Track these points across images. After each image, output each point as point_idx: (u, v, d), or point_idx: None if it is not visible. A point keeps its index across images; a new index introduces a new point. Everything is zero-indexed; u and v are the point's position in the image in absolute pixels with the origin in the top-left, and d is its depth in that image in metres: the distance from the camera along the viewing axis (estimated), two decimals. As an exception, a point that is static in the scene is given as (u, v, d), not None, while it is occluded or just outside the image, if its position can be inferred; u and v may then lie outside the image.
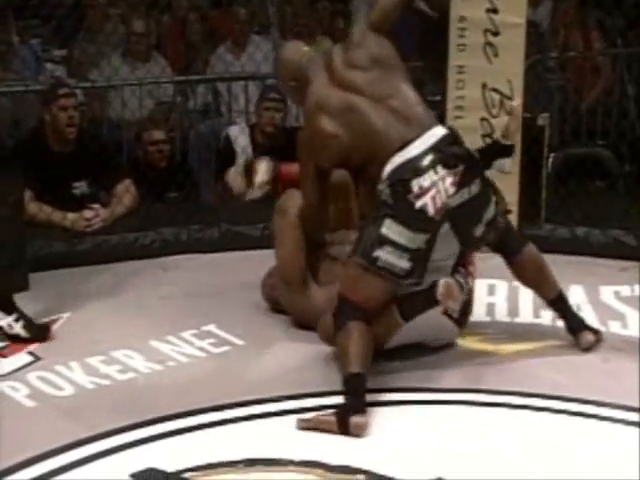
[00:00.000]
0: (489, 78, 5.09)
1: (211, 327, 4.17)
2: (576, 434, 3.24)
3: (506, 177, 5.01)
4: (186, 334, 4.13)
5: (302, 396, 3.52)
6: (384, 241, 3.43)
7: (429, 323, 3.64)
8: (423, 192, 3.41)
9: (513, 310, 4.30)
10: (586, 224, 5.26)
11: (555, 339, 3.91)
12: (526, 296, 4.25)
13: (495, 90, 5.11)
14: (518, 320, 4.22)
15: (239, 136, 5.87)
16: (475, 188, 3.52)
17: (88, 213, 5.32)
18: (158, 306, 4.50)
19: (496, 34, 5.06)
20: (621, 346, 3.88)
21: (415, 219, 3.42)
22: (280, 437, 3.23)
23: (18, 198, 3.98)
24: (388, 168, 3.47)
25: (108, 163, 5.47)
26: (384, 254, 3.43)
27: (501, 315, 4.27)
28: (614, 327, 4.11)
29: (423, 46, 6.02)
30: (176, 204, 5.64)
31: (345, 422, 3.21)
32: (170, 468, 3.00)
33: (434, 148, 3.47)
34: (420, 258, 3.46)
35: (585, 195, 5.56)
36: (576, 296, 4.34)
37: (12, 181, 4.46)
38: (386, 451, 3.10)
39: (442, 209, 3.43)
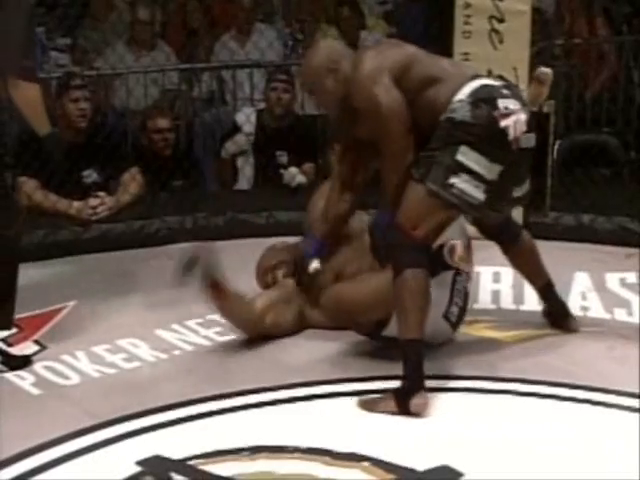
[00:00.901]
0: (494, 65, 5.08)
1: (216, 316, 4.16)
2: (582, 421, 3.24)
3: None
4: (191, 323, 4.13)
5: (307, 384, 3.52)
6: (461, 168, 3.25)
7: (428, 324, 3.44)
8: (508, 114, 3.27)
9: (518, 297, 4.30)
10: (592, 211, 5.26)
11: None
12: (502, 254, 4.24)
13: (500, 77, 5.08)
14: (523, 307, 4.22)
15: (246, 123, 5.88)
16: (533, 139, 3.40)
17: (94, 201, 5.33)
18: (163, 294, 4.49)
19: (501, 21, 5.05)
20: (627, 333, 3.88)
21: (495, 141, 3.27)
22: (285, 424, 3.23)
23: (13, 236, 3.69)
24: (466, 89, 3.32)
25: (114, 151, 5.47)
26: (460, 182, 3.25)
27: (506, 302, 4.27)
28: (620, 314, 4.11)
29: (429, 33, 6.01)
30: (181, 192, 5.64)
31: (405, 403, 3.20)
32: (175, 456, 3.01)
33: (508, 85, 3.44)
34: (495, 191, 3.30)
35: (591, 182, 5.55)
36: (582, 283, 4.34)
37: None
38: (392, 438, 3.10)
39: (518, 140, 3.29)
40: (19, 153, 5.40)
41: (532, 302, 4.19)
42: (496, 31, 5.06)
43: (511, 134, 3.28)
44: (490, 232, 3.82)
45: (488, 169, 3.27)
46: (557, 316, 3.92)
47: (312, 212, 4.15)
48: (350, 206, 3.87)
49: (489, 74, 5.05)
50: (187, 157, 5.82)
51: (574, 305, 4.11)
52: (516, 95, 3.41)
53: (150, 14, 6.48)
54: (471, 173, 3.26)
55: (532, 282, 3.95)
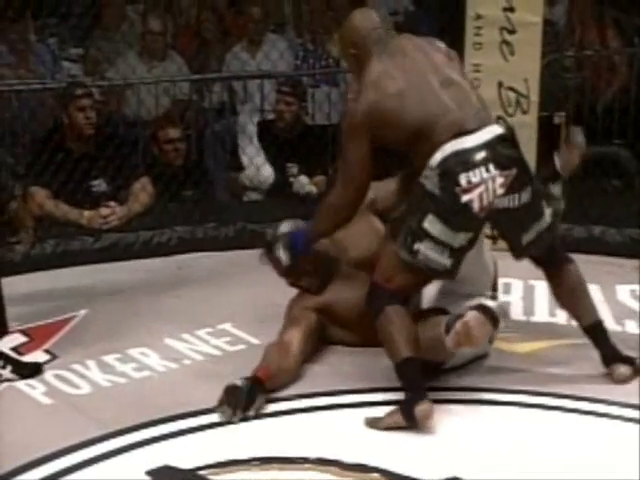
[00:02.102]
0: (505, 77, 5.09)
1: (226, 325, 4.19)
2: (587, 433, 3.24)
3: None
4: (201, 332, 4.14)
5: (317, 395, 3.52)
6: (425, 235, 3.32)
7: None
8: (471, 187, 3.29)
9: (529, 309, 4.30)
10: (603, 223, 5.26)
11: (570, 338, 3.89)
12: (542, 295, 4.25)
13: (511, 89, 5.10)
14: (533, 319, 4.21)
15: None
16: (525, 196, 3.37)
17: (104, 211, 5.35)
18: (173, 304, 4.51)
19: (512, 32, 5.05)
20: (637, 345, 3.87)
21: (458, 215, 3.31)
22: (296, 435, 3.23)
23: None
24: (438, 156, 3.33)
25: (125, 161, 5.48)
26: (425, 248, 3.33)
27: (517, 314, 4.27)
28: (630, 326, 4.10)
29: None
30: (192, 202, 5.65)
31: (411, 413, 3.20)
32: (185, 466, 3.01)
33: (489, 145, 3.35)
34: (460, 256, 3.38)
35: (602, 194, 5.55)
36: (592, 295, 4.32)
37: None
38: (401, 449, 3.10)
39: (487, 208, 3.32)
40: (30, 163, 5.43)
41: (542, 314, 4.19)
42: (507, 42, 5.06)
43: (475, 207, 3.30)
44: (534, 258, 3.75)
45: (453, 238, 3.34)
46: (605, 359, 3.66)
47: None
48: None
49: (500, 86, 5.08)
50: (198, 167, 5.83)
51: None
52: (493, 159, 3.33)
53: (161, 25, 6.49)
54: (435, 241, 3.33)
55: (577, 319, 3.75)
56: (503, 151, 3.37)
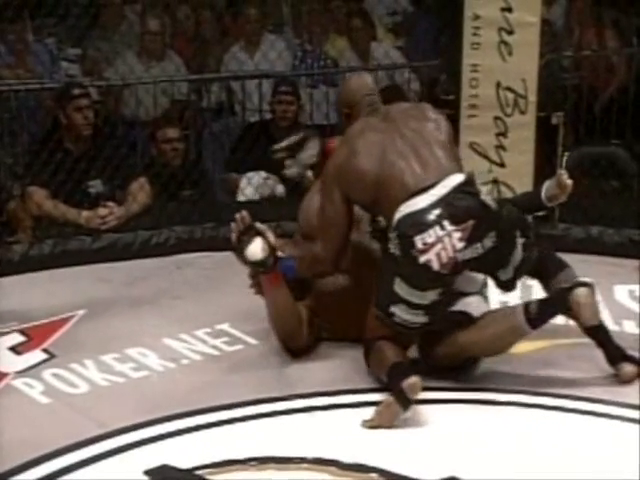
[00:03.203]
0: (503, 77, 5.09)
1: (224, 326, 4.19)
2: (586, 433, 3.24)
3: (520, 176, 5.03)
4: (200, 332, 4.14)
5: (314, 395, 3.52)
6: (398, 299, 3.41)
7: None
8: (427, 248, 3.32)
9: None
10: (601, 223, 5.26)
11: (569, 338, 3.89)
12: (539, 294, 4.24)
13: (509, 89, 5.10)
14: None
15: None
16: (489, 242, 3.37)
17: (103, 211, 5.35)
18: (172, 304, 4.52)
19: (510, 33, 5.06)
20: (635, 345, 3.87)
21: (420, 275, 3.37)
22: (293, 435, 3.23)
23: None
24: (396, 217, 3.39)
25: (123, 161, 5.48)
26: (399, 311, 3.43)
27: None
28: (628, 326, 4.11)
29: (438, 45, 6.03)
30: (190, 202, 5.65)
31: (400, 391, 3.22)
32: (183, 465, 3.01)
33: (443, 200, 3.35)
34: (437, 308, 3.45)
35: (600, 194, 5.55)
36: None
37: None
38: (400, 449, 3.10)
39: (449, 264, 3.34)
40: (29, 163, 5.43)
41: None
42: (505, 43, 5.06)
43: (435, 266, 3.34)
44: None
45: (422, 297, 3.41)
46: (610, 359, 3.63)
47: (306, 211, 4.08)
48: None
49: (498, 86, 5.08)
50: (196, 167, 5.83)
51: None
52: (449, 215, 3.34)
53: (160, 25, 6.50)
54: (406, 303, 3.41)
55: (579, 323, 3.65)
56: (459, 204, 3.37)
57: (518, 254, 3.50)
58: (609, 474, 2.94)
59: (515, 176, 5.06)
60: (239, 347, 4.01)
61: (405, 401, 3.23)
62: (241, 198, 5.84)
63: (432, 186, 3.39)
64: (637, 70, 6.00)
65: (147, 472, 2.98)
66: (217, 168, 6.09)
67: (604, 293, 4.41)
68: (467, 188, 3.43)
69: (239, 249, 3.74)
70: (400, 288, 3.40)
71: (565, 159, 5.41)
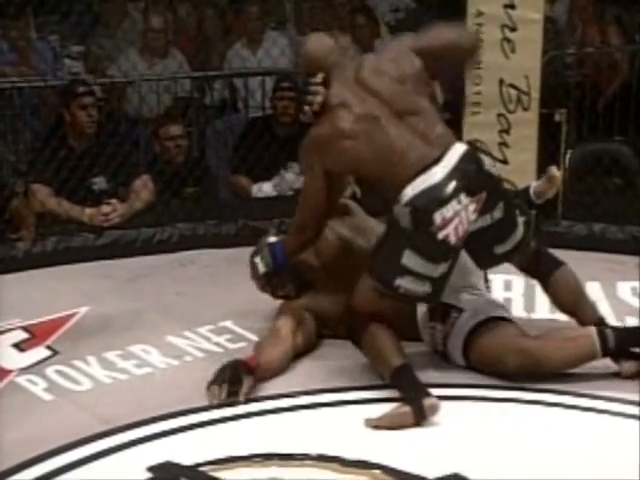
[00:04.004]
0: (506, 74, 5.09)
1: (228, 323, 4.19)
2: (588, 429, 3.24)
3: (523, 174, 5.02)
4: (203, 330, 4.14)
5: (317, 392, 3.53)
6: (404, 271, 3.34)
7: None
8: (446, 223, 3.29)
9: (529, 305, 4.29)
10: (603, 220, 5.26)
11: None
12: (542, 292, 4.24)
13: (512, 86, 5.11)
14: (534, 316, 4.21)
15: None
16: (498, 213, 3.41)
17: (106, 208, 5.35)
18: (175, 301, 4.52)
19: (513, 30, 5.06)
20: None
21: (436, 250, 3.33)
22: (297, 431, 3.23)
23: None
24: (409, 192, 3.31)
25: (126, 158, 5.49)
26: (405, 283, 3.36)
27: (517, 310, 4.27)
28: (631, 323, 4.10)
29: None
30: (193, 199, 5.65)
31: (419, 408, 3.19)
32: (186, 462, 3.01)
33: (457, 170, 3.32)
34: (442, 281, 3.41)
35: (602, 191, 5.55)
36: (593, 292, 4.33)
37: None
38: (402, 446, 3.10)
39: (464, 237, 3.35)
40: (32, 160, 5.44)
41: (543, 310, 4.19)
42: (508, 40, 5.07)
43: (452, 240, 3.32)
44: (522, 268, 3.82)
45: (432, 269, 3.36)
46: (613, 357, 3.62)
47: None
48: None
49: (501, 83, 5.08)
50: (199, 164, 5.83)
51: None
52: (464, 188, 3.32)
53: (163, 22, 6.49)
54: (415, 274, 3.35)
55: (579, 321, 3.73)
56: (472, 175, 3.35)
57: (519, 232, 3.51)
58: (610, 471, 2.93)
59: (518, 173, 5.05)
60: (242, 344, 4.00)
61: (422, 418, 3.20)
62: (258, 195, 5.85)
63: (441, 158, 3.35)
64: (640, 67, 6.00)
65: (150, 469, 2.98)
66: (220, 165, 6.09)
67: (607, 290, 4.43)
68: (473, 157, 3.43)
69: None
70: (409, 260, 3.33)
71: (568, 156, 5.44)
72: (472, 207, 3.33)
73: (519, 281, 4.47)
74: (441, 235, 3.29)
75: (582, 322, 3.69)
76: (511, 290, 4.48)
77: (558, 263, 3.77)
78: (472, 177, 3.35)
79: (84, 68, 6.43)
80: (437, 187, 3.30)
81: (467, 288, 3.72)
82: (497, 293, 4.27)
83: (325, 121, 3.54)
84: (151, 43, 6.40)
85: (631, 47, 6.42)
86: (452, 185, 3.30)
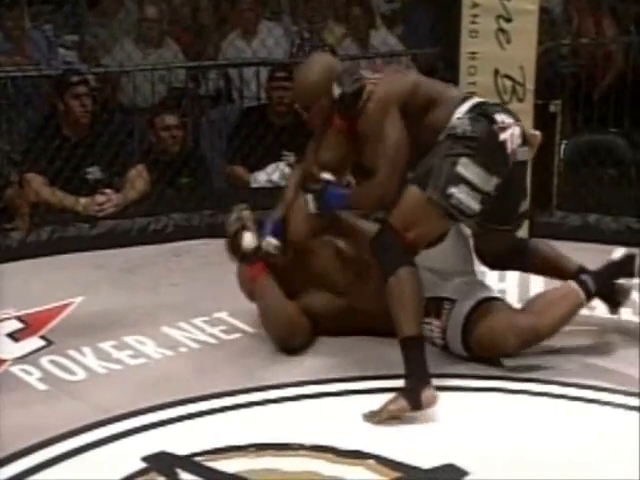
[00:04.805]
0: (501, 64, 5.08)
1: (222, 314, 4.19)
2: (589, 421, 3.24)
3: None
4: (197, 321, 4.14)
5: (312, 382, 3.53)
6: (460, 180, 3.31)
7: None
8: (505, 127, 3.39)
9: (524, 296, 4.29)
10: (598, 211, 5.27)
11: (569, 325, 3.88)
12: (537, 282, 4.25)
13: (507, 76, 5.10)
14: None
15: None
16: (527, 153, 3.54)
17: (100, 198, 5.35)
18: (170, 291, 4.52)
19: (509, 20, 5.05)
20: (634, 333, 3.88)
21: (494, 154, 3.36)
22: (291, 422, 3.23)
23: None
24: (463, 108, 3.43)
25: (121, 148, 5.48)
26: (458, 192, 3.31)
27: (512, 301, 4.25)
28: (626, 314, 4.11)
29: (435, 32, 6.02)
30: (188, 189, 5.65)
31: (417, 399, 3.15)
32: (181, 452, 3.01)
33: (497, 104, 3.57)
34: (487, 203, 3.38)
35: (597, 182, 5.56)
36: (588, 282, 4.33)
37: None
38: (397, 436, 3.10)
39: (515, 153, 3.41)
40: (26, 150, 5.43)
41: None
42: (503, 30, 5.06)
43: (509, 147, 3.39)
44: (500, 263, 3.90)
45: (486, 181, 3.35)
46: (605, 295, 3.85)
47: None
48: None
49: (496, 73, 5.08)
50: (194, 154, 5.82)
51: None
52: (508, 111, 3.54)
53: (158, 12, 6.49)
54: (469, 184, 3.33)
55: (566, 274, 3.84)
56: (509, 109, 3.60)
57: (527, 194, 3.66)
58: (612, 462, 2.93)
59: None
60: (237, 335, 4.01)
61: (417, 407, 3.17)
62: (254, 185, 5.85)
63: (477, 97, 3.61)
64: (635, 58, 5.99)
65: (145, 459, 2.98)
66: (215, 155, 6.09)
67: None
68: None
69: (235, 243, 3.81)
70: (465, 168, 3.32)
71: (563, 147, 5.44)
72: (517, 129, 3.44)
73: (513, 272, 4.48)
74: (502, 136, 3.38)
75: (568, 276, 3.80)
76: (505, 281, 4.48)
77: (525, 245, 3.90)
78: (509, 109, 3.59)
79: (79, 58, 6.43)
80: (491, 103, 3.54)
81: (455, 273, 3.73)
82: (491, 284, 4.26)
83: (385, 81, 3.62)
84: (146, 33, 6.40)
85: (626, 38, 6.42)
86: (499, 106, 3.57)
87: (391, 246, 3.34)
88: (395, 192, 3.48)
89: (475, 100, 3.52)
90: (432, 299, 3.62)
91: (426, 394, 3.17)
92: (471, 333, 3.59)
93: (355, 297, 3.83)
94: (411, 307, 3.28)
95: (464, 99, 3.51)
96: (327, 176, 3.70)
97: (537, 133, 3.80)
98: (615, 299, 3.84)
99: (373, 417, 3.19)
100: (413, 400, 3.16)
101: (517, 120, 3.48)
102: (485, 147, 3.35)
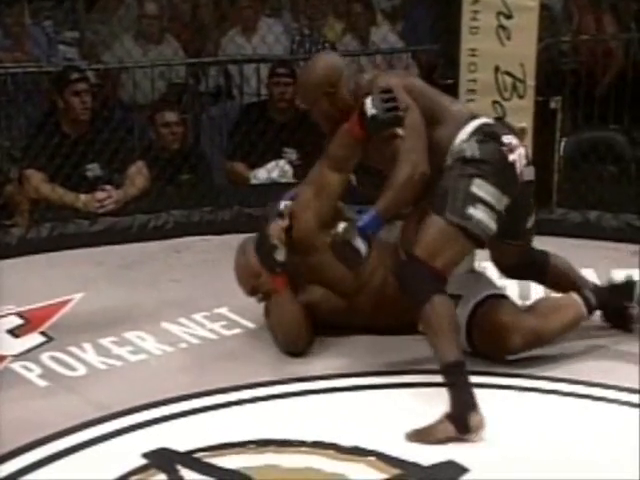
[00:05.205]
0: (502, 61, 5.08)
1: (223, 310, 4.19)
2: (584, 417, 3.25)
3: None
4: (198, 316, 4.14)
5: (313, 378, 3.53)
6: (477, 200, 3.29)
7: None
8: (513, 148, 3.39)
9: (524, 293, 4.29)
10: (598, 208, 5.26)
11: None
12: (538, 288, 4.25)
13: (507, 73, 5.09)
14: (529, 303, 4.20)
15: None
16: (533, 173, 3.53)
17: (100, 194, 5.35)
18: (170, 288, 4.52)
19: (509, 17, 5.04)
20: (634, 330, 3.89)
21: (505, 174, 3.35)
22: (292, 418, 3.23)
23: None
24: (468, 129, 3.42)
25: (121, 145, 5.48)
26: (477, 212, 3.28)
27: (512, 298, 4.26)
28: (616, 278, 4.12)
29: (436, 29, 6.02)
30: (188, 186, 5.65)
31: (466, 424, 3.04)
32: (181, 448, 3.01)
33: (502, 123, 3.54)
34: (503, 222, 3.37)
35: (597, 179, 5.55)
36: (588, 279, 4.33)
37: None
38: (397, 433, 3.10)
39: (521, 174, 3.41)
40: (26, 146, 5.43)
41: (538, 297, 4.19)
42: (504, 27, 5.05)
43: (518, 167, 3.39)
44: (517, 273, 3.90)
45: (498, 200, 3.34)
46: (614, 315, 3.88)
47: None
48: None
49: (496, 70, 5.08)
50: (194, 151, 5.82)
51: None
52: (512, 131, 3.54)
53: (158, 8, 6.49)
54: (485, 204, 3.31)
55: (579, 289, 3.84)
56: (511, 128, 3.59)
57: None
58: (607, 458, 2.94)
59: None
60: (237, 331, 4.01)
61: (465, 433, 3.06)
62: (254, 182, 5.84)
63: (482, 116, 3.55)
64: (635, 55, 5.99)
65: (145, 455, 2.98)
66: (215, 152, 6.09)
67: (601, 277, 4.42)
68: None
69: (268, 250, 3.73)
70: (479, 188, 3.30)
71: (563, 144, 5.44)
72: (523, 151, 3.45)
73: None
74: (511, 157, 3.38)
75: (580, 291, 3.81)
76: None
77: (546, 258, 3.90)
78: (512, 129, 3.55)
79: (79, 54, 6.43)
80: (496, 123, 3.51)
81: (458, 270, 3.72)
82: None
83: (396, 75, 3.74)
84: (146, 29, 6.39)
85: (626, 35, 6.42)
86: (504, 126, 3.53)
87: (420, 276, 3.27)
88: (426, 165, 3.45)
89: (480, 121, 3.48)
90: None
91: (474, 419, 3.06)
92: (476, 329, 3.58)
93: (356, 295, 3.82)
94: (450, 333, 3.20)
95: (468, 119, 3.48)
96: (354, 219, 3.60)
97: (524, 126, 3.84)
98: (627, 326, 3.86)
99: (416, 437, 3.08)
100: (460, 426, 3.05)
101: (520, 141, 3.50)
102: (496, 168, 3.35)
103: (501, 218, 3.36)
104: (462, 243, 3.32)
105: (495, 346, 3.57)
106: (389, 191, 3.46)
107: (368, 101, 3.50)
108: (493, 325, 3.56)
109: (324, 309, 3.83)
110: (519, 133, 3.88)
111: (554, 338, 3.63)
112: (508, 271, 3.90)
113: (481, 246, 3.45)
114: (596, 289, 3.83)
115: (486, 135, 3.40)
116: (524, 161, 3.43)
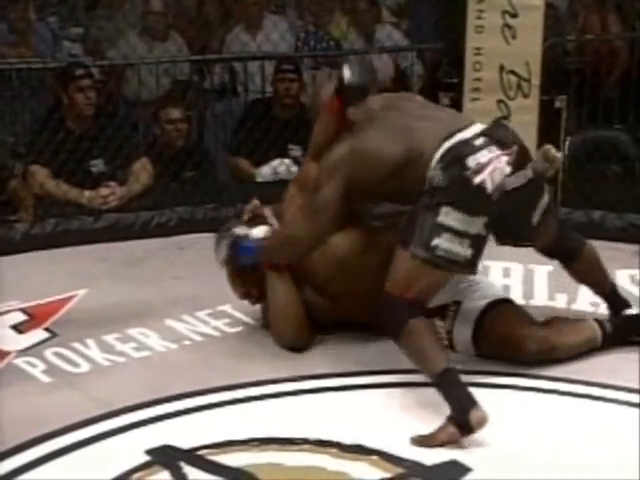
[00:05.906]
0: (507, 60, 5.08)
1: (226, 307, 4.19)
2: (582, 416, 3.25)
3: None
4: (201, 313, 4.14)
5: (316, 377, 3.53)
6: (442, 229, 3.22)
7: None
8: (481, 168, 3.24)
9: (528, 293, 4.30)
10: (602, 208, 5.26)
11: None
12: (541, 279, 4.25)
13: (513, 72, 5.10)
14: (533, 302, 4.21)
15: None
16: (529, 172, 3.40)
17: (105, 191, 5.35)
18: (173, 285, 4.52)
19: (514, 16, 5.05)
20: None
21: (473, 198, 3.24)
22: (295, 416, 3.23)
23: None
24: (438, 154, 3.31)
25: (125, 141, 5.48)
26: (443, 242, 3.22)
27: (516, 297, 4.25)
28: (629, 311, 4.10)
29: (440, 27, 6.02)
30: (192, 183, 5.65)
31: (467, 422, 3.02)
32: (185, 445, 3.01)
33: (484, 132, 3.36)
34: (481, 243, 3.31)
35: (602, 179, 5.55)
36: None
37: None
38: (400, 432, 3.10)
39: (500, 187, 3.26)
40: (31, 142, 5.43)
41: (542, 297, 4.20)
42: (509, 26, 5.06)
43: (489, 187, 3.25)
44: (548, 251, 3.81)
45: (469, 224, 3.25)
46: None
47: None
48: None
49: (501, 69, 5.08)
50: (198, 148, 5.82)
51: (584, 301, 4.12)
52: (493, 141, 3.34)
53: (163, 5, 6.49)
54: (452, 231, 3.24)
55: (598, 292, 3.88)
56: (499, 133, 3.39)
57: (546, 197, 3.54)
58: (607, 458, 2.94)
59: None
60: (240, 328, 4.01)
61: (469, 432, 3.04)
62: (258, 179, 5.84)
63: (465, 127, 3.41)
64: (640, 55, 5.99)
65: (148, 452, 2.98)
66: (219, 148, 6.09)
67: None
68: (498, 122, 3.57)
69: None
70: (446, 216, 3.22)
71: (567, 143, 5.44)
72: (505, 158, 3.30)
73: (518, 268, 4.49)
74: (477, 179, 3.24)
75: (601, 293, 3.84)
76: (510, 277, 4.48)
77: (581, 244, 3.83)
78: (501, 134, 3.39)
79: (83, 50, 6.43)
80: (465, 141, 3.33)
81: (461, 279, 3.69)
82: (496, 280, 4.27)
83: (351, 135, 3.55)
84: (151, 26, 6.40)
85: (631, 35, 6.41)
86: (481, 139, 3.33)
87: (393, 307, 3.27)
88: (310, 247, 3.64)
89: (451, 141, 3.34)
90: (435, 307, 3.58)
91: (474, 415, 3.03)
92: (484, 332, 3.58)
93: (339, 296, 3.80)
94: (430, 346, 3.20)
95: (442, 140, 3.35)
96: (240, 231, 3.85)
97: (558, 155, 3.76)
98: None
99: (421, 442, 3.06)
100: (462, 425, 3.04)
101: (504, 147, 3.33)
102: (461, 194, 3.25)
103: (482, 239, 3.31)
104: (432, 273, 3.28)
105: (510, 351, 3.55)
106: (272, 247, 3.74)
107: (345, 68, 3.57)
108: (508, 329, 3.56)
109: (318, 309, 3.83)
110: (546, 160, 3.81)
111: (567, 353, 3.58)
112: (543, 251, 3.82)
113: (460, 272, 3.41)
114: (614, 321, 3.77)
115: (451, 160, 3.29)
116: (506, 171, 3.28)
